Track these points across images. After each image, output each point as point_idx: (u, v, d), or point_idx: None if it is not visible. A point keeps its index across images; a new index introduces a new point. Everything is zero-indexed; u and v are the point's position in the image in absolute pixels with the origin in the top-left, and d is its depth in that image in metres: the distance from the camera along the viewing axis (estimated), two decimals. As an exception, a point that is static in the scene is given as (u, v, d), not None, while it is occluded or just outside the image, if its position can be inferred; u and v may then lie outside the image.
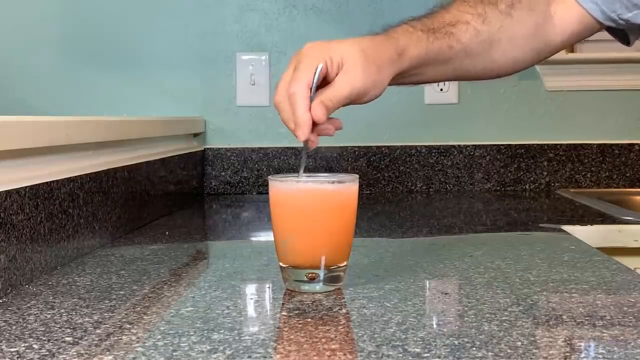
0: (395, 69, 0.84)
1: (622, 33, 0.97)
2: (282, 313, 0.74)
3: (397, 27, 0.87)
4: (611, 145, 1.82)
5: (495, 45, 0.92)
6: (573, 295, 0.80)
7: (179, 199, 1.57)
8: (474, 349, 0.61)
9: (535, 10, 0.94)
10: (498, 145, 1.82)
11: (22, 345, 0.63)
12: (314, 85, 0.78)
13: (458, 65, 0.91)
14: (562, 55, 1.81)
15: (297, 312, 0.73)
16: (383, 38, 0.85)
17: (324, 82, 0.79)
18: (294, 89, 0.78)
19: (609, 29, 0.96)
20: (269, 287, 0.84)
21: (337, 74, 0.79)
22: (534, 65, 1.03)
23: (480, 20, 0.90)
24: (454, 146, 1.82)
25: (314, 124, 0.78)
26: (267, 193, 0.81)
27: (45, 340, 0.64)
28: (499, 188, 1.82)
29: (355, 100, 0.81)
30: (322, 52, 0.79)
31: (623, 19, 0.93)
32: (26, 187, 0.84)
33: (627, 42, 0.98)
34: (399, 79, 0.87)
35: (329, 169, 1.79)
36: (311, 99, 0.78)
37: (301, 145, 0.80)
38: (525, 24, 0.93)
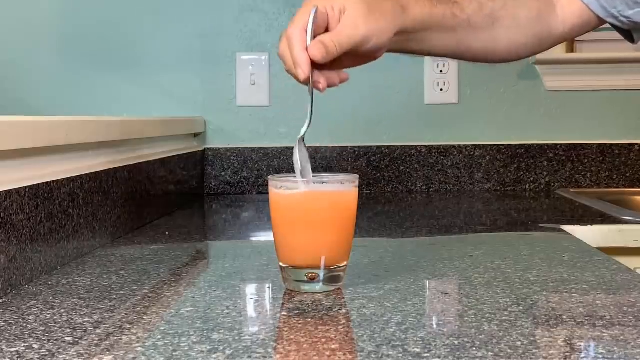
0: (398, 23, 0.84)
1: (627, 31, 0.97)
2: (282, 313, 0.74)
3: None
4: (611, 145, 1.82)
5: (498, 22, 0.92)
6: (573, 295, 0.80)
7: (179, 199, 1.57)
8: (474, 349, 0.61)
9: None
10: (498, 145, 1.82)
11: (22, 345, 0.63)
12: (310, 26, 0.77)
13: (462, 36, 0.91)
14: (562, 55, 1.81)
15: (297, 312, 0.73)
16: None
17: (326, 30, 0.79)
18: (290, 32, 0.78)
19: (614, 25, 0.96)
20: (269, 287, 0.84)
21: (339, 22, 0.79)
22: (535, 54, 1.03)
23: None
24: (454, 146, 1.82)
25: (315, 66, 0.77)
26: (267, 193, 0.81)
27: (45, 340, 0.64)
28: (499, 188, 1.82)
29: (356, 47, 0.80)
30: (323, 0, 0.79)
31: (624, 16, 0.93)
32: (26, 187, 0.83)
33: (632, 39, 0.98)
34: (402, 43, 0.87)
35: (329, 169, 1.79)
36: (309, 40, 0.77)
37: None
38: (528, 6, 0.94)
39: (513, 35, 0.94)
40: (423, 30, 0.87)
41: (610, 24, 0.95)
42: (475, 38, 0.93)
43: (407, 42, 0.88)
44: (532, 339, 0.64)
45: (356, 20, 0.79)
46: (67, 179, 0.96)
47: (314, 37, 0.78)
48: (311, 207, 0.78)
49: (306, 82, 0.78)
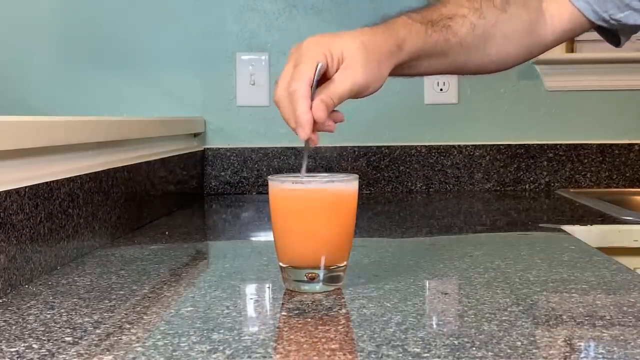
0: (395, 61, 0.84)
1: (612, 33, 0.97)
2: (282, 313, 0.74)
3: (396, 18, 0.87)
4: (611, 145, 1.82)
5: (490, 40, 0.92)
6: (573, 295, 0.80)
7: (179, 199, 1.57)
8: (474, 349, 0.61)
9: (528, 7, 0.94)
10: (498, 145, 1.82)
11: (22, 345, 0.63)
12: (315, 83, 0.77)
13: (453, 58, 0.91)
14: (562, 55, 1.81)
15: (297, 312, 0.73)
16: (383, 29, 0.84)
17: (324, 77, 0.79)
18: (294, 87, 0.77)
19: (598, 29, 0.96)
20: (269, 287, 0.84)
21: (337, 70, 0.79)
22: (525, 62, 1.03)
23: (477, 15, 0.90)
24: (454, 146, 1.82)
25: (315, 123, 0.77)
26: (267, 193, 0.81)
27: (45, 340, 0.64)
28: (498, 188, 1.82)
29: (356, 95, 0.81)
30: (322, 47, 0.79)
31: (615, 19, 0.93)
32: (26, 187, 0.84)
33: (616, 42, 0.98)
34: (394, 71, 0.87)
35: (329, 169, 1.79)
36: (312, 97, 0.77)
37: (301, 145, 0.80)
38: (519, 20, 0.93)
39: (504, 49, 0.94)
40: (416, 60, 0.88)
41: (598, 27, 0.95)
42: (467, 58, 0.92)
43: (400, 70, 0.88)
44: (532, 339, 0.64)
45: (355, 73, 0.79)
46: (67, 179, 0.96)
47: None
48: (311, 207, 0.78)
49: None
